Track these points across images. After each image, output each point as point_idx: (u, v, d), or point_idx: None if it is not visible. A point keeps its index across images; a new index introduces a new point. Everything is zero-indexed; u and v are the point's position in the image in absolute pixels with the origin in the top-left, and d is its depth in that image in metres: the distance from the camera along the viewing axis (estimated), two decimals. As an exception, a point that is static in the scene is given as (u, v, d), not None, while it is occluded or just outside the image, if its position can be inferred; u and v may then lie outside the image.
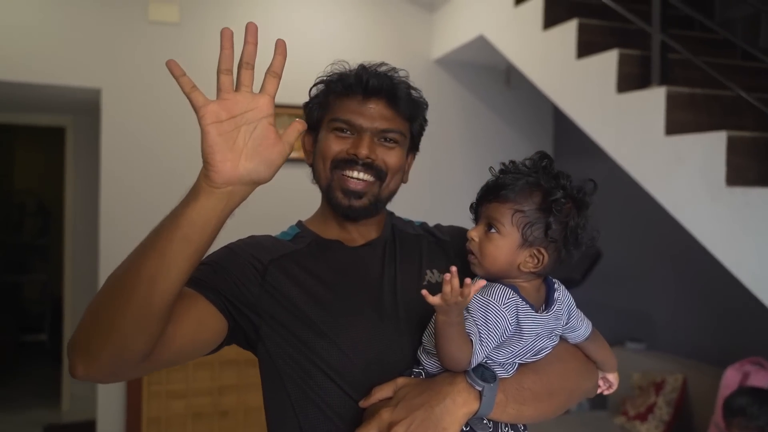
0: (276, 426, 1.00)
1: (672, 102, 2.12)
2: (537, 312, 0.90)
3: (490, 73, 3.92)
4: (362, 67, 1.05)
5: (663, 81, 2.20)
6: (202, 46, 3.11)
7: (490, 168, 0.96)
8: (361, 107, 1.02)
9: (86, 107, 3.83)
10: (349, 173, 1.01)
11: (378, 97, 1.02)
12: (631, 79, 2.33)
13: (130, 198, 3.19)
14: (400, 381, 0.90)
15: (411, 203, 4.29)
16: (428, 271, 1.05)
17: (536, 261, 0.90)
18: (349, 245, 1.04)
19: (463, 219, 3.75)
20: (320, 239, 1.05)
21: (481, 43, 3.26)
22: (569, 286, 3.54)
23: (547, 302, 0.92)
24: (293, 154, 0.86)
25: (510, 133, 4.01)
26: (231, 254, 0.99)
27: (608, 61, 2.36)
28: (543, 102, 3.99)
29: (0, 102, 3.86)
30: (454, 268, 0.79)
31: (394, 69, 1.07)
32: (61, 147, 4.73)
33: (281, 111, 3.44)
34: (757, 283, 1.81)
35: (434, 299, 0.80)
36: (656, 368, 2.92)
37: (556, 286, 0.95)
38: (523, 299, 0.89)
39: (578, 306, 1.00)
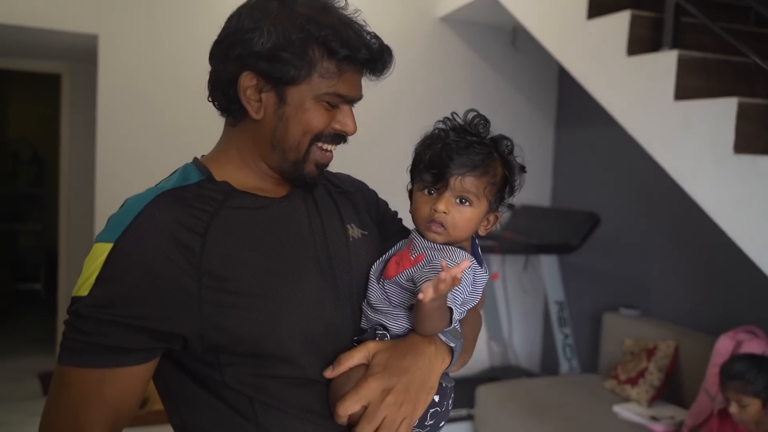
0: None
1: (683, 66, 2.08)
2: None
3: (496, 33, 3.85)
4: (369, 36, 0.89)
5: (675, 45, 2.16)
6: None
7: (435, 123, 0.95)
8: (357, 79, 0.90)
9: (83, 54, 3.75)
10: (328, 147, 0.91)
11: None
12: (642, 42, 2.28)
13: (127, 148, 3.15)
14: (371, 346, 0.86)
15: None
16: (348, 226, 0.98)
17: (488, 223, 0.96)
18: (270, 197, 0.91)
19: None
20: (236, 191, 0.88)
21: (487, 0, 3.18)
22: (566, 251, 3.54)
23: (479, 259, 0.95)
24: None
25: (513, 95, 3.96)
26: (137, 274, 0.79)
27: (620, 22, 2.30)
28: (548, 65, 3.93)
29: (-8, 46, 3.77)
30: (444, 263, 0.79)
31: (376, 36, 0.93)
32: (56, 95, 4.65)
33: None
34: (761, 254, 1.80)
35: (428, 295, 0.79)
36: (649, 334, 2.94)
37: (477, 242, 0.99)
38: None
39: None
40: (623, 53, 2.28)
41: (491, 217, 0.95)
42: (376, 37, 0.89)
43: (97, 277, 0.78)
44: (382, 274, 0.93)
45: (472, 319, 1.01)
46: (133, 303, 0.78)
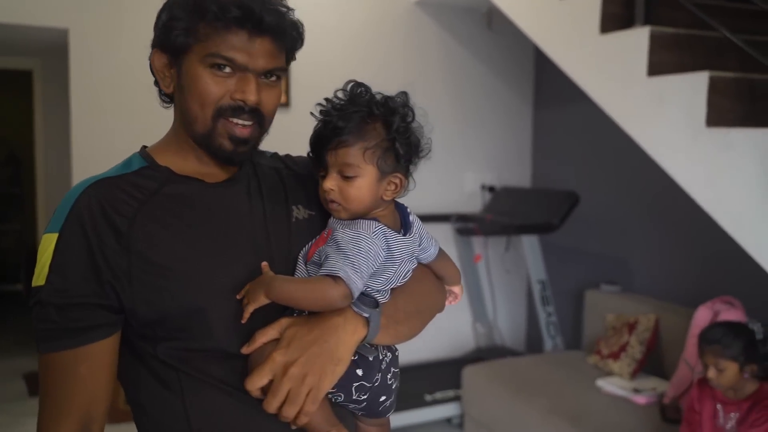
0: (154, 418, 0.91)
1: (655, 42, 2.10)
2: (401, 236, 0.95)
3: (471, 15, 3.85)
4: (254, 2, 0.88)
5: (647, 21, 2.17)
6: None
7: (311, 113, 0.94)
8: (246, 44, 0.88)
9: (54, 49, 3.69)
10: (235, 120, 0.90)
11: (266, 34, 0.89)
12: (615, 19, 2.29)
13: (102, 144, 3.11)
14: (284, 321, 0.87)
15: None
16: (294, 207, 0.99)
17: (395, 187, 0.94)
18: (210, 182, 0.94)
19: (445, 162, 3.73)
20: (176, 176, 0.93)
21: (462, -17, 3.18)
22: (547, 230, 3.57)
23: (405, 226, 0.96)
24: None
25: (491, 77, 3.97)
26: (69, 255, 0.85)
27: (592, 0, 2.32)
28: (525, 45, 3.94)
29: (-39, 43, 3.70)
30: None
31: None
32: (28, 92, 4.58)
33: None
34: (734, 224, 1.83)
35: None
36: (630, 309, 2.99)
37: (409, 210, 0.99)
38: (386, 226, 0.92)
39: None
40: (596, 31, 2.30)
41: (396, 180, 0.93)
42: (269, 3, 0.89)
43: (50, 266, 0.85)
44: (305, 257, 0.94)
45: (415, 290, 0.99)
46: (84, 283, 0.85)
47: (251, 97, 0.89)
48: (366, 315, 0.89)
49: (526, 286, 4.09)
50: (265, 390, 0.83)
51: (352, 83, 0.93)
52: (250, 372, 0.84)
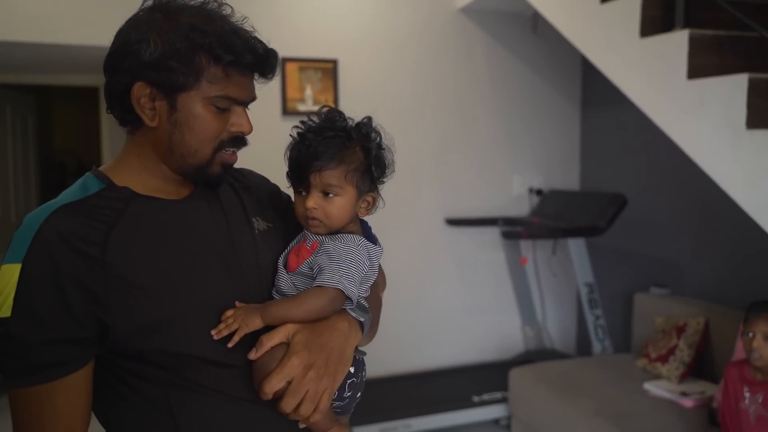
0: None
1: (695, 45, 2.10)
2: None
3: (516, 20, 3.88)
4: (254, 41, 0.93)
5: (686, 23, 2.17)
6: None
7: (290, 134, 1.00)
8: (246, 82, 0.94)
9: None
10: (231, 150, 0.96)
11: (263, 72, 0.96)
12: (654, 22, 2.30)
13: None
14: (291, 327, 0.91)
15: (438, 156, 4.33)
16: (254, 219, 1.03)
17: (367, 204, 1.03)
18: (172, 198, 0.96)
19: (494, 166, 3.79)
20: (138, 196, 0.93)
21: (505, -11, 3.23)
22: (594, 233, 3.56)
23: (371, 238, 1.03)
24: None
25: (538, 82, 3.98)
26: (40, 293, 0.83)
27: (632, 4, 2.33)
28: (571, 48, 3.92)
29: (33, 63, 3.98)
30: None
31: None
32: (95, 107, 4.88)
33: (308, 65, 3.49)
34: (776, 226, 1.83)
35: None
36: (680, 312, 2.95)
37: (369, 224, 1.07)
38: (364, 239, 1.01)
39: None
40: (636, 35, 2.31)
41: (369, 198, 1.02)
42: (261, 42, 0.94)
43: (14, 299, 0.83)
44: (286, 267, 1.00)
45: (374, 296, 1.08)
46: (54, 317, 0.83)
47: (248, 129, 0.96)
48: (362, 320, 0.99)
49: (575, 289, 4.07)
50: (276, 392, 0.88)
51: (327, 108, 1.01)
52: (265, 376, 0.88)
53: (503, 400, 3.26)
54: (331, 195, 0.98)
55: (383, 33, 3.62)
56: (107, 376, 0.91)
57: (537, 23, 3.85)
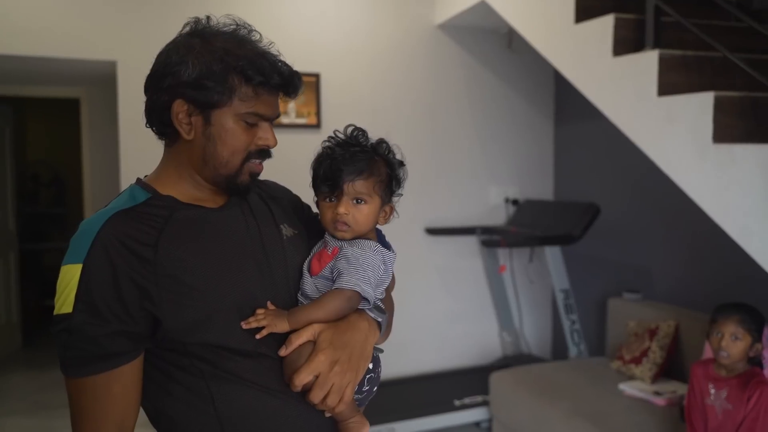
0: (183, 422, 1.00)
1: (664, 64, 2.24)
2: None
3: (492, 36, 4.02)
4: (281, 64, 1.04)
5: (656, 44, 2.32)
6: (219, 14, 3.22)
7: (322, 146, 1.12)
8: (273, 100, 1.04)
9: (99, 78, 3.95)
10: (258, 160, 1.06)
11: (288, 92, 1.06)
12: (626, 43, 2.44)
13: (150, 166, 3.33)
14: (316, 327, 1.01)
15: (417, 167, 4.43)
16: (282, 226, 1.12)
17: (385, 214, 1.14)
18: (211, 206, 1.06)
19: (471, 177, 3.92)
20: (181, 204, 1.03)
21: (483, 7, 3.36)
22: (568, 241, 3.69)
23: (386, 245, 1.13)
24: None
25: (513, 97, 4.12)
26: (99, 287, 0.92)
27: (605, 25, 2.47)
28: (544, 64, 4.08)
29: (13, 75, 3.98)
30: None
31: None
32: (73, 118, 4.87)
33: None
34: (742, 235, 1.95)
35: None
36: (651, 316, 3.10)
37: (383, 232, 1.16)
38: (379, 245, 1.12)
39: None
40: (609, 54, 2.45)
41: (387, 209, 1.13)
42: (287, 64, 1.05)
43: (76, 296, 0.91)
44: (309, 271, 1.09)
45: (387, 302, 1.19)
46: (113, 312, 0.92)
47: (274, 142, 1.06)
48: (380, 320, 1.10)
49: (551, 296, 4.21)
50: (304, 385, 0.98)
51: (351, 127, 1.12)
52: (295, 370, 0.98)
53: (484, 404, 3.36)
54: (360, 202, 1.08)
55: (364, 48, 3.73)
56: (155, 373, 1.00)
57: (512, 40, 3.99)
